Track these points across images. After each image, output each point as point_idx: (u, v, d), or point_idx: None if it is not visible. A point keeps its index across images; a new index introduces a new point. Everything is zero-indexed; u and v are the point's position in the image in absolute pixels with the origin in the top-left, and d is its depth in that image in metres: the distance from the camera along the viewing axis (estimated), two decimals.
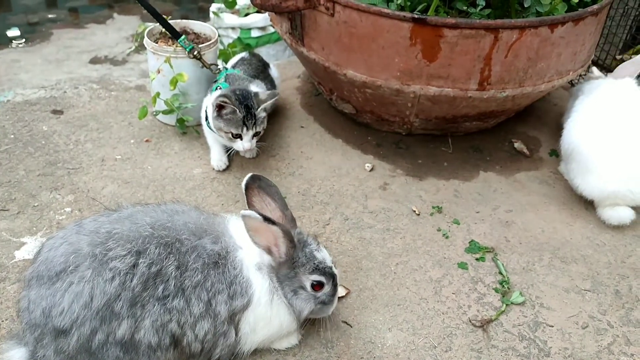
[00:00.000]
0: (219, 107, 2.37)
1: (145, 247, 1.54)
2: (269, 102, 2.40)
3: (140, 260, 1.51)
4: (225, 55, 3.28)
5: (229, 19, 3.70)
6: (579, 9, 2.41)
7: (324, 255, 1.74)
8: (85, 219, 1.65)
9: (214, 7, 3.81)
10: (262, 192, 1.76)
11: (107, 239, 1.53)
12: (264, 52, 3.72)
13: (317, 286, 1.70)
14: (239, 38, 3.69)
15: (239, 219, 1.74)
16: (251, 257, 1.66)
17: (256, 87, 2.60)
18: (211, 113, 2.43)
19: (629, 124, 2.36)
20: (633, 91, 2.51)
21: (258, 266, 1.66)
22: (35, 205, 2.33)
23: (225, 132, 2.42)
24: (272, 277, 1.68)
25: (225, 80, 2.57)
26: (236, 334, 1.66)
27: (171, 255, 1.55)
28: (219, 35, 2.87)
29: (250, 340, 1.71)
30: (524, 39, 2.27)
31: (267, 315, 1.68)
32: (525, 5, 2.33)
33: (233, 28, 3.72)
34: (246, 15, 3.73)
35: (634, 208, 2.38)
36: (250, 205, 1.74)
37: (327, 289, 1.72)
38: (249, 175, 1.75)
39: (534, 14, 2.37)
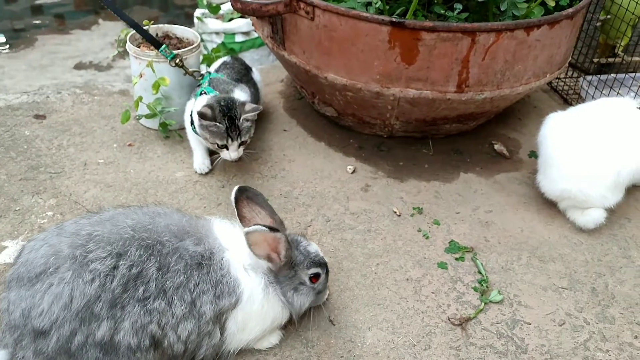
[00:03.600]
0: (203, 116, 2.36)
1: (126, 249, 1.55)
2: (252, 114, 2.41)
3: (121, 262, 1.53)
4: (209, 60, 3.30)
5: (213, 24, 3.73)
6: (555, 13, 2.46)
7: (315, 248, 1.83)
8: (66, 222, 1.66)
9: (198, 12, 3.83)
10: (251, 202, 1.81)
11: (88, 241, 1.54)
12: (248, 56, 3.75)
13: (314, 278, 1.79)
14: (223, 43, 3.72)
15: (222, 221, 1.79)
16: (239, 258, 1.69)
17: (241, 92, 2.63)
18: (197, 121, 2.44)
19: (598, 127, 2.38)
20: (621, 106, 2.51)
21: (250, 267, 1.69)
22: (17, 209, 2.33)
23: (212, 143, 2.44)
24: (268, 277, 1.72)
25: (210, 85, 2.59)
26: (221, 334, 1.68)
27: (152, 257, 1.57)
28: (201, 40, 2.89)
29: (237, 339, 1.73)
30: (500, 42, 2.31)
31: (262, 311, 1.72)
32: (502, 9, 2.37)
33: (217, 33, 3.74)
34: (230, 20, 3.76)
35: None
36: (241, 217, 1.79)
37: (322, 278, 1.82)
38: (236, 188, 1.79)
39: (511, 17, 2.41)
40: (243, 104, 2.42)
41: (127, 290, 1.52)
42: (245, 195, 1.80)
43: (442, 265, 2.24)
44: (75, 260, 1.50)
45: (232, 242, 1.72)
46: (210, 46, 3.74)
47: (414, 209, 2.51)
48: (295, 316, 1.82)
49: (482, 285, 2.17)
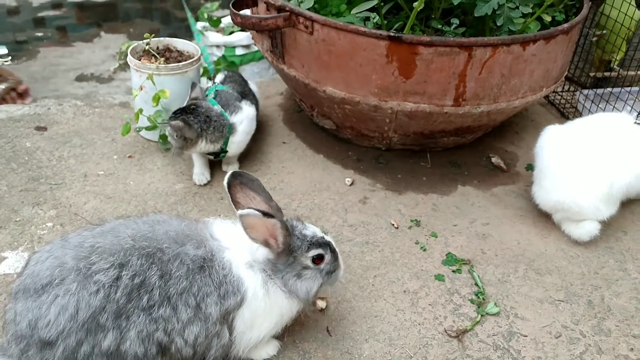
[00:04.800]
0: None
1: (128, 259, 1.57)
2: (171, 130, 2.46)
3: (123, 273, 1.55)
4: (208, 73, 3.33)
5: (214, 37, 3.77)
6: (551, 28, 2.49)
7: (313, 230, 1.78)
8: (70, 234, 1.68)
9: (199, 25, 3.87)
10: (245, 188, 1.78)
11: (91, 252, 1.56)
12: (248, 69, 3.79)
13: (317, 259, 1.73)
14: (223, 56, 3.76)
15: (223, 222, 1.79)
16: (240, 256, 1.70)
17: (246, 106, 2.68)
18: None
19: (594, 141, 2.40)
20: (618, 121, 2.53)
21: (249, 264, 1.70)
22: (17, 220, 2.35)
23: None
24: (266, 270, 1.71)
25: (215, 97, 2.63)
26: (230, 334, 1.69)
27: (154, 265, 1.59)
28: (201, 53, 2.92)
29: (247, 337, 1.73)
30: (497, 56, 2.34)
31: (267, 306, 1.71)
32: (498, 24, 2.40)
33: (218, 46, 3.78)
34: (231, 33, 3.80)
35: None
36: (236, 203, 1.76)
37: (327, 258, 1.76)
38: (229, 172, 1.76)
39: (507, 32, 2.44)
40: (175, 121, 2.44)
41: (132, 300, 1.54)
42: (239, 181, 1.77)
43: (440, 278, 2.26)
44: (79, 272, 1.53)
45: (233, 240, 1.72)
46: (211, 59, 3.77)
47: (411, 221, 2.53)
48: (305, 305, 1.79)
49: (478, 297, 2.18)
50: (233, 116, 2.58)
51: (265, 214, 1.61)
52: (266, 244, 1.67)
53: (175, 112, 2.47)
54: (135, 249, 1.59)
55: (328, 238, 1.79)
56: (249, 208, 1.62)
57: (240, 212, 1.60)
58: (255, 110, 2.74)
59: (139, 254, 1.59)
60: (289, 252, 1.71)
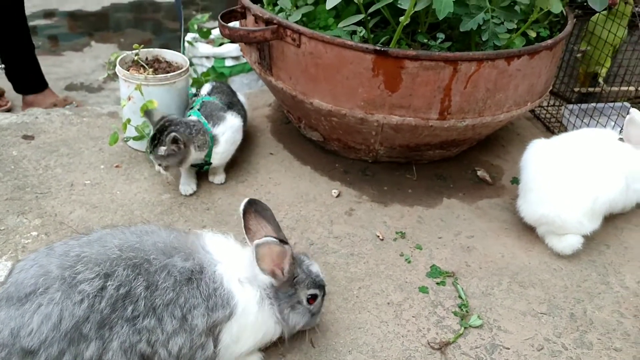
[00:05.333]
0: (147, 115, 2.57)
1: (113, 269, 1.57)
2: (169, 147, 2.45)
3: (109, 283, 1.55)
4: (198, 84, 3.34)
5: (204, 48, 3.78)
6: (535, 43, 2.53)
7: (317, 268, 1.86)
8: (56, 243, 1.69)
9: (189, 36, 3.89)
10: (259, 216, 1.84)
11: (76, 262, 1.56)
12: (237, 81, 3.81)
13: (311, 299, 1.81)
14: (212, 67, 3.77)
15: (214, 235, 1.82)
16: (232, 271, 1.72)
17: (232, 117, 2.69)
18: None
19: (578, 156, 2.43)
20: (603, 136, 2.56)
21: (246, 279, 1.72)
22: (1, 229, 2.34)
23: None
24: (266, 291, 1.74)
25: (200, 108, 2.64)
26: (215, 346, 1.70)
27: (140, 276, 1.59)
28: (191, 64, 2.94)
29: (230, 351, 1.74)
30: (482, 71, 2.37)
31: (257, 323, 1.74)
32: (484, 39, 2.43)
33: (207, 57, 3.80)
34: (220, 44, 3.82)
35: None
36: (247, 229, 1.82)
37: (318, 300, 1.84)
38: (246, 199, 1.83)
39: (492, 47, 2.47)
40: (175, 138, 2.42)
41: (116, 311, 1.54)
42: (254, 209, 1.84)
43: (423, 290, 2.27)
44: (64, 282, 1.53)
45: (224, 255, 1.74)
46: (200, 70, 3.79)
47: (397, 233, 2.54)
48: (288, 335, 1.84)
49: (462, 309, 2.19)
50: (216, 127, 2.59)
51: (281, 241, 1.67)
52: (273, 274, 1.72)
53: (154, 139, 2.47)
54: (122, 260, 1.60)
55: (324, 281, 1.87)
56: (266, 236, 1.67)
57: (257, 241, 1.65)
58: (242, 121, 2.75)
59: (125, 264, 1.59)
60: (292, 283, 1.77)
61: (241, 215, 1.82)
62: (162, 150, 2.45)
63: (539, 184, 2.43)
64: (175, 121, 2.51)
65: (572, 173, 2.38)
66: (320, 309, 1.90)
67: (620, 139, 2.52)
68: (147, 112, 2.54)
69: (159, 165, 2.50)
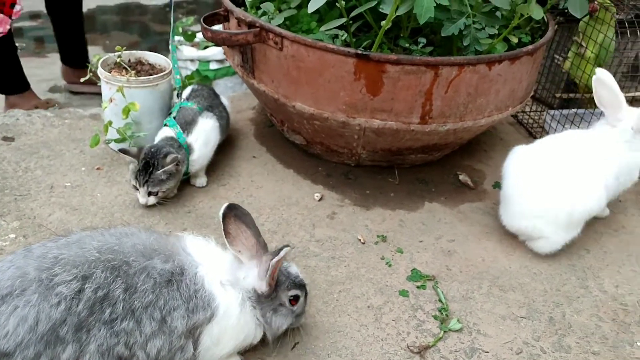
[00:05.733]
0: (124, 152, 2.50)
1: (92, 271, 1.56)
2: (169, 167, 2.45)
3: (87, 285, 1.54)
4: (182, 87, 3.33)
5: (188, 51, 3.77)
6: (517, 49, 2.55)
7: (295, 270, 1.87)
8: (34, 245, 1.67)
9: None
10: (239, 221, 1.83)
11: (54, 264, 1.55)
12: (221, 84, 3.80)
13: (293, 300, 1.83)
14: (197, 70, 3.76)
15: (195, 237, 1.82)
16: (214, 273, 1.72)
17: (206, 119, 2.69)
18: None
19: (557, 164, 2.42)
20: (582, 140, 2.53)
21: (228, 282, 1.73)
22: None
23: (127, 180, 2.52)
24: (248, 294, 1.75)
25: (177, 115, 2.66)
26: (195, 348, 1.69)
27: (118, 279, 1.58)
28: (177, 70, 2.94)
29: (210, 353, 1.74)
30: (463, 76, 2.39)
31: (238, 326, 1.75)
32: (465, 44, 2.45)
33: (192, 60, 3.79)
34: (205, 48, 3.81)
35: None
36: (227, 233, 1.81)
37: (301, 300, 1.85)
38: (226, 204, 1.82)
39: (473, 52, 2.49)
40: (165, 155, 2.45)
41: (93, 313, 1.53)
42: (234, 213, 1.83)
43: (404, 293, 2.27)
44: (41, 284, 1.51)
45: (206, 257, 1.75)
46: (185, 73, 3.78)
47: (378, 237, 2.55)
48: (272, 338, 1.85)
49: (442, 313, 2.19)
50: (189, 136, 2.61)
51: (277, 254, 1.69)
52: (270, 287, 1.75)
53: (146, 168, 2.44)
54: (101, 262, 1.59)
55: (305, 280, 1.89)
56: (276, 252, 1.71)
57: (276, 259, 1.68)
58: (219, 122, 2.76)
59: (104, 266, 1.58)
60: (275, 288, 1.78)
61: (221, 220, 1.82)
62: (161, 174, 2.44)
63: (517, 196, 2.45)
64: (160, 144, 2.52)
65: (549, 185, 2.38)
66: (304, 309, 1.91)
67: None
68: (123, 150, 2.51)
69: (153, 194, 2.49)
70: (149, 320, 1.59)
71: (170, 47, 3.10)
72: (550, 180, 2.39)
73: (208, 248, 1.80)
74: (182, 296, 1.64)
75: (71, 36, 4.19)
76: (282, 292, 1.80)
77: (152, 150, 2.47)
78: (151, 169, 2.43)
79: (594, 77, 2.43)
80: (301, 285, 1.85)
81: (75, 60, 4.17)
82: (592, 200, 2.39)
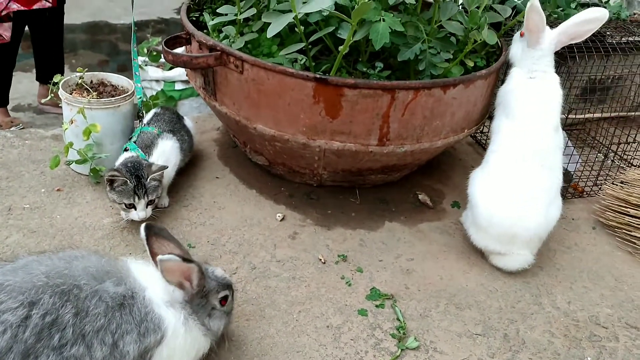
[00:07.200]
0: (110, 182, 2.47)
1: (39, 297, 1.54)
2: (158, 174, 2.49)
3: (34, 312, 1.52)
4: (147, 107, 3.34)
5: (153, 71, 3.79)
6: (471, 73, 2.63)
7: (220, 272, 1.91)
8: None
9: (139, 59, 3.88)
10: (159, 237, 1.86)
11: None
12: (187, 104, 3.82)
13: (223, 301, 1.85)
14: (162, 90, 3.78)
15: (138, 261, 1.82)
16: (158, 295, 1.73)
17: (166, 140, 2.72)
18: (106, 187, 2.52)
19: (516, 186, 2.49)
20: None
21: (169, 302, 1.73)
22: None
23: (119, 204, 2.50)
24: (185, 309, 1.76)
25: (137, 139, 2.68)
26: None
27: (68, 303, 1.56)
28: (140, 88, 2.95)
29: None
30: (419, 99, 2.45)
31: (186, 344, 1.75)
32: (420, 69, 2.52)
33: (157, 81, 3.80)
34: (170, 68, 3.83)
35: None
36: (153, 253, 1.81)
37: (229, 299, 1.89)
38: (143, 226, 1.84)
39: (429, 76, 2.57)
40: (149, 165, 2.51)
41: (41, 340, 1.51)
42: (152, 232, 1.85)
43: (363, 312, 2.30)
44: None
45: (149, 279, 1.75)
46: (150, 93, 3.79)
47: (339, 256, 2.58)
48: (214, 341, 1.87)
49: (399, 332, 2.23)
50: (150, 158, 2.63)
51: (185, 260, 1.69)
52: (180, 286, 1.73)
53: (138, 181, 2.45)
54: (49, 286, 1.56)
55: (230, 279, 1.92)
56: (170, 254, 1.69)
57: (160, 257, 1.66)
58: (177, 142, 2.78)
59: (52, 291, 1.56)
60: (202, 293, 1.79)
61: (144, 242, 1.83)
62: (152, 180, 2.48)
63: (486, 222, 2.51)
64: (132, 159, 2.54)
65: (515, 210, 2.46)
66: (232, 306, 1.95)
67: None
68: (114, 173, 2.46)
69: (151, 203, 2.51)
70: (100, 345, 1.57)
71: (132, 66, 3.11)
72: (515, 203, 2.46)
73: (148, 270, 1.79)
74: (134, 320, 1.64)
75: (50, 55, 4.24)
76: (212, 295, 1.82)
77: (131, 165, 2.48)
78: (143, 180, 2.45)
79: (528, 4, 2.45)
80: (228, 285, 1.89)
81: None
82: (554, 219, 2.55)
